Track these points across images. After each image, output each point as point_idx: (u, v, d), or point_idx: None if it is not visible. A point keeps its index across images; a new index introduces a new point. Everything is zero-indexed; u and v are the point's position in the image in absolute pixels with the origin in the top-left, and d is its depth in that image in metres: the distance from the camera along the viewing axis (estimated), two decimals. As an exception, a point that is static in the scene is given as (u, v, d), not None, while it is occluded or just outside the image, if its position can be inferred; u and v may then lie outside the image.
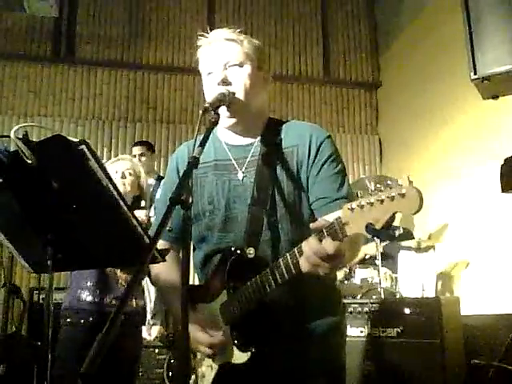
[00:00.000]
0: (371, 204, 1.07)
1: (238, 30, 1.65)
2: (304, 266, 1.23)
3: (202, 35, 1.65)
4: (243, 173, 1.60)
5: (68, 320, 2.58)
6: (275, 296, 1.48)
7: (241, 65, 1.58)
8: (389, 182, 1.05)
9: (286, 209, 1.54)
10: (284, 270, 1.32)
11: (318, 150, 1.56)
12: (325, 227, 1.18)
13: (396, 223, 5.16)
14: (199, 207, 1.64)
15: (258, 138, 1.63)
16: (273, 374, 1.51)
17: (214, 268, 1.59)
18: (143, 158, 4.94)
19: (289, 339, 1.51)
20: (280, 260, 1.34)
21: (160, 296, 4.39)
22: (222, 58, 1.58)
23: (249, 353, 1.45)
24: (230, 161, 1.63)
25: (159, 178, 4.82)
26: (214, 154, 1.66)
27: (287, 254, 1.31)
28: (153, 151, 5.26)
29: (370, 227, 1.06)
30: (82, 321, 2.56)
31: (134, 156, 4.82)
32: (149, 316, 4.43)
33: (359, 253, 1.58)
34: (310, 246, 1.20)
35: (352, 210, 1.10)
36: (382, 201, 1.05)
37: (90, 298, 2.62)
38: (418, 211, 1.02)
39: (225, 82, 1.55)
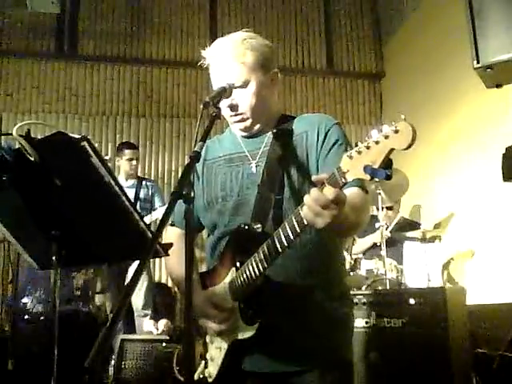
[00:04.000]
0: (368, 147, 1.10)
1: (242, 33, 1.65)
2: (305, 214, 1.24)
3: (205, 47, 1.66)
4: (256, 163, 1.65)
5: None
6: (283, 273, 1.53)
7: (245, 85, 1.60)
8: (383, 125, 1.09)
9: (294, 190, 1.57)
10: (289, 229, 1.33)
11: (326, 135, 1.61)
12: (326, 178, 1.21)
13: (404, 214, 5.17)
14: (212, 194, 1.69)
15: (271, 130, 1.68)
16: (280, 347, 1.53)
17: (223, 249, 1.63)
18: (137, 162, 4.99)
19: (295, 315, 1.54)
20: (285, 222, 1.36)
21: (153, 288, 4.50)
22: (227, 80, 1.57)
23: (256, 325, 1.48)
24: (244, 153, 1.69)
25: (140, 179, 4.93)
26: (229, 148, 1.73)
27: (291, 215, 1.33)
28: None
29: (367, 167, 1.09)
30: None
31: (131, 159, 4.85)
32: (139, 307, 4.48)
33: (366, 218, 1.61)
34: (310, 195, 1.21)
35: (351, 157, 1.14)
36: (377, 142, 1.09)
37: None
38: (411, 144, 1.05)
39: (232, 109, 1.61)
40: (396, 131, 1.06)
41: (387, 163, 1.08)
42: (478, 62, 2.42)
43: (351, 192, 1.44)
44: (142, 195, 4.81)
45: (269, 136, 1.67)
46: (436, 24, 5.22)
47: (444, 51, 5.02)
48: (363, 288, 3.77)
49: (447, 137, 5.06)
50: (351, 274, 4.14)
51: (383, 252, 4.01)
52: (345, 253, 4.16)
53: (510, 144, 2.67)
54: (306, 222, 1.27)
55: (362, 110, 6.71)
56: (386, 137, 1.07)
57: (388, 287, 3.75)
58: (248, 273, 1.48)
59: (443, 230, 4.83)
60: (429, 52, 5.39)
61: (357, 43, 6.84)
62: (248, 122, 1.65)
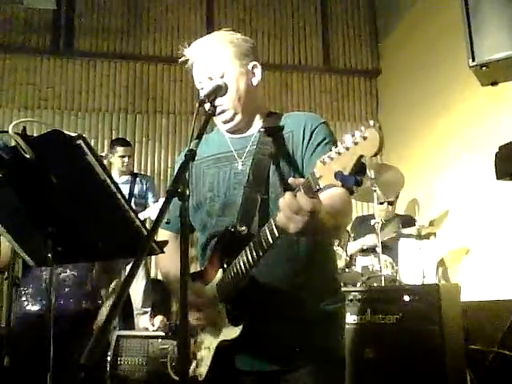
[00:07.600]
0: (339, 153, 1.11)
1: (218, 32, 1.72)
2: (279, 218, 1.25)
3: (184, 47, 1.73)
4: (242, 162, 1.66)
5: None
6: (270, 274, 1.55)
7: (223, 75, 1.62)
8: (354, 131, 1.09)
9: (280, 190, 1.57)
10: (268, 232, 1.34)
11: (312, 134, 1.62)
12: (301, 183, 1.22)
13: (399, 211, 5.18)
14: (200, 195, 1.71)
15: (259, 129, 1.69)
16: (269, 346, 1.55)
17: (212, 250, 1.65)
18: (130, 160, 5.01)
19: (281, 315, 1.55)
20: (265, 225, 1.37)
21: (150, 286, 4.51)
22: (205, 73, 1.65)
23: (240, 327, 1.49)
24: (231, 152, 1.69)
25: (134, 175, 4.95)
26: (217, 148, 1.73)
27: (271, 218, 1.34)
28: None
29: (338, 174, 1.10)
30: None
31: (123, 156, 4.87)
32: (139, 305, 4.50)
33: (347, 221, 1.64)
34: (284, 199, 1.23)
35: (324, 163, 1.14)
36: (347, 148, 1.09)
37: None
38: (378, 151, 1.05)
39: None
40: (364, 138, 1.06)
41: (359, 168, 1.08)
42: (473, 60, 2.42)
43: (332, 193, 1.41)
44: (136, 191, 4.84)
45: (255, 135, 1.68)
46: (432, 22, 5.23)
47: (440, 49, 5.03)
48: (358, 285, 3.79)
49: (442, 134, 5.08)
50: (347, 270, 4.16)
51: (378, 249, 4.03)
52: (340, 250, 4.17)
53: (504, 142, 2.68)
54: (278, 226, 1.28)
55: (358, 107, 6.72)
56: (356, 143, 1.07)
57: (383, 284, 3.77)
58: (233, 274, 1.50)
59: (438, 227, 4.85)
60: (425, 50, 5.41)
61: (353, 40, 6.84)
62: (228, 114, 1.65)
